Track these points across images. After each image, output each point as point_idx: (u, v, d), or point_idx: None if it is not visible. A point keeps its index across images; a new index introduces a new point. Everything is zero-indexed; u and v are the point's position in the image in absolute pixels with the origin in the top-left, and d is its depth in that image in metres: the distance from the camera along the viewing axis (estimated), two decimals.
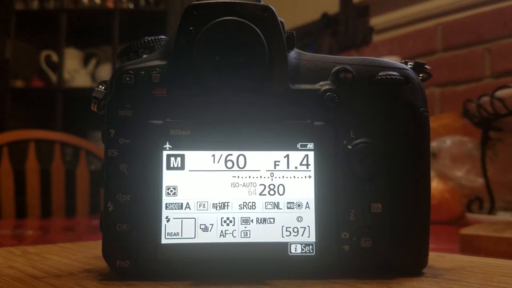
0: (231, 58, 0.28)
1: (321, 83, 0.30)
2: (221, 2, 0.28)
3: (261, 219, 0.29)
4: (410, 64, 0.31)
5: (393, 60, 0.31)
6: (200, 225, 0.29)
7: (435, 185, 0.84)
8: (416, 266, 0.30)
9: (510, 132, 0.80)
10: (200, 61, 0.28)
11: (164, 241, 0.28)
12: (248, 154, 0.29)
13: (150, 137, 0.29)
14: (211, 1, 0.28)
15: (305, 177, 0.29)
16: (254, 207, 0.29)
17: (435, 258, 0.35)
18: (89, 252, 0.39)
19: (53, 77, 2.07)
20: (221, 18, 0.28)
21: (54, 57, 2.06)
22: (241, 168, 0.29)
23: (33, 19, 2.07)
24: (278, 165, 0.29)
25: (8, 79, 1.98)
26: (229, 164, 0.29)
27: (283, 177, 0.29)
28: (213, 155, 0.29)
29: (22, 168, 1.26)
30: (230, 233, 0.29)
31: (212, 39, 0.28)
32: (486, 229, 0.57)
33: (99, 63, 2.16)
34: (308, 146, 0.29)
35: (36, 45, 2.10)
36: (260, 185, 0.29)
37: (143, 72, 0.29)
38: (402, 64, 0.31)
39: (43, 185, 1.28)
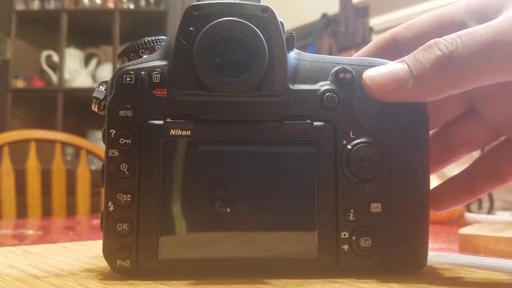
0: (231, 58, 0.28)
1: (321, 83, 0.30)
2: (221, 2, 0.28)
3: None
4: None
5: None
6: None
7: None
8: (415, 266, 0.30)
9: None
10: (200, 62, 0.28)
11: (164, 241, 0.28)
12: None
13: (150, 137, 0.29)
14: (211, 1, 0.28)
15: (305, 177, 0.29)
16: None
17: (434, 258, 0.35)
18: (89, 251, 0.39)
19: (54, 77, 2.07)
20: (221, 18, 0.28)
21: (55, 57, 2.06)
22: None
23: (34, 19, 2.07)
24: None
25: (8, 79, 1.98)
26: None
27: None
28: None
29: (23, 168, 1.26)
30: None
31: (212, 40, 0.28)
32: (485, 229, 0.57)
33: (99, 63, 2.16)
34: (308, 146, 0.29)
35: (36, 45, 2.10)
36: None
37: (143, 73, 0.29)
38: None
39: (44, 185, 1.28)
